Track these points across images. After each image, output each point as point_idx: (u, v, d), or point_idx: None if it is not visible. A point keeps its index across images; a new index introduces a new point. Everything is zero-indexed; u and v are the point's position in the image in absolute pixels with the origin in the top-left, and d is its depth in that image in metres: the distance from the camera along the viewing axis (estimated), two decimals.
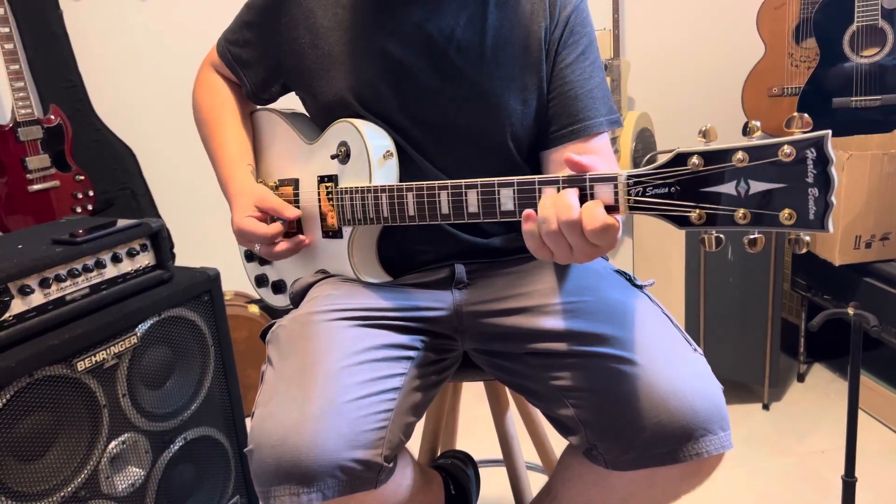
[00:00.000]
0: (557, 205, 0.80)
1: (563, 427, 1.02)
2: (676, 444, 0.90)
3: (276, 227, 1.11)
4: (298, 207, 1.16)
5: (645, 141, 2.57)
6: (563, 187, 0.82)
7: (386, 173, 1.06)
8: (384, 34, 1.08)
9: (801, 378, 2.29)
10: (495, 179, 0.90)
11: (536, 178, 0.86)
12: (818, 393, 2.22)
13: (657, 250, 2.26)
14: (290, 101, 1.27)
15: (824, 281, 2.14)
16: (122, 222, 1.40)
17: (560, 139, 1.09)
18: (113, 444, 1.30)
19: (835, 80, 2.25)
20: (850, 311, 1.35)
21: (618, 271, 1.12)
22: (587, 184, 0.80)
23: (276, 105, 1.27)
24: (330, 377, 0.92)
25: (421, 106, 1.08)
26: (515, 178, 0.88)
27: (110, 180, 2.28)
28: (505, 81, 1.07)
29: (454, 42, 1.06)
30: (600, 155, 1.08)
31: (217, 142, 1.23)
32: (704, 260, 2.03)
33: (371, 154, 1.05)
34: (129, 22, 2.31)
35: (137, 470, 1.36)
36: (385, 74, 1.08)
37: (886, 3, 2.16)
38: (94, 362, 1.27)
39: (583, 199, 0.81)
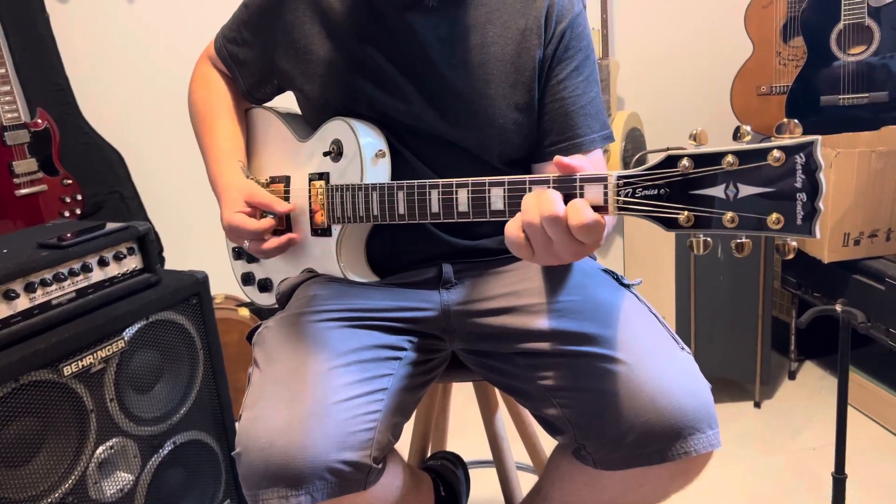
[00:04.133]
0: (540, 199, 0.79)
1: (551, 427, 1.02)
2: (665, 444, 0.90)
3: (267, 221, 1.09)
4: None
5: (634, 140, 2.58)
6: (554, 187, 0.82)
7: (378, 172, 1.06)
8: (376, 46, 1.07)
9: (792, 376, 2.29)
10: (486, 179, 0.89)
11: (528, 177, 0.86)
12: (809, 390, 2.23)
13: (647, 249, 2.26)
14: (286, 102, 1.26)
15: (814, 278, 2.14)
16: (109, 226, 1.39)
17: (551, 154, 1.07)
18: (101, 449, 1.30)
19: (822, 78, 2.25)
20: (838, 307, 1.35)
21: (605, 270, 1.12)
22: (577, 184, 0.80)
23: (272, 103, 1.27)
24: (317, 378, 0.92)
25: (410, 117, 1.07)
26: (506, 178, 0.87)
27: (99, 184, 2.27)
28: (495, 99, 1.06)
29: (445, 58, 1.05)
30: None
31: (209, 137, 1.22)
32: (695, 259, 2.04)
33: (363, 153, 1.04)
34: (117, 25, 2.30)
35: (126, 475, 1.35)
36: (376, 85, 1.07)
37: (873, 2, 2.17)
38: (80, 367, 1.26)
39: (571, 199, 0.80)
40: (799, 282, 2.21)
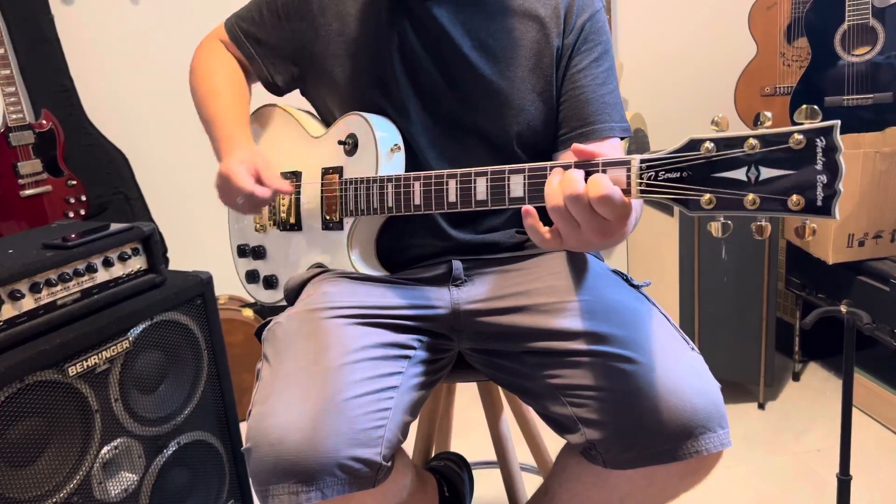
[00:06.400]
0: (563, 180, 0.80)
1: (560, 426, 1.02)
2: (676, 443, 0.90)
3: (267, 191, 1.05)
4: (300, 200, 1.17)
5: (639, 142, 2.57)
6: None
7: (392, 167, 1.08)
8: (404, 27, 1.10)
9: (796, 377, 2.29)
10: (506, 167, 0.91)
11: (549, 164, 0.87)
12: (813, 391, 2.22)
13: (652, 251, 2.26)
14: (297, 102, 1.27)
15: (818, 279, 2.14)
16: (114, 226, 1.39)
17: (570, 141, 1.09)
18: (105, 449, 1.29)
19: (827, 79, 2.25)
20: (843, 309, 1.35)
21: (614, 271, 1.12)
22: (599, 168, 0.81)
23: (285, 102, 1.27)
24: (328, 375, 0.92)
25: (434, 98, 1.10)
26: (527, 165, 0.89)
27: (103, 185, 2.27)
28: (516, 83, 1.09)
29: (469, 40, 1.09)
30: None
31: (213, 104, 1.19)
32: (699, 260, 2.03)
33: (379, 146, 1.06)
34: (121, 26, 2.30)
35: (130, 475, 1.35)
36: (402, 65, 1.10)
37: (877, 2, 2.17)
38: (85, 367, 1.25)
39: None
40: (803, 283, 2.20)
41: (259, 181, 1.06)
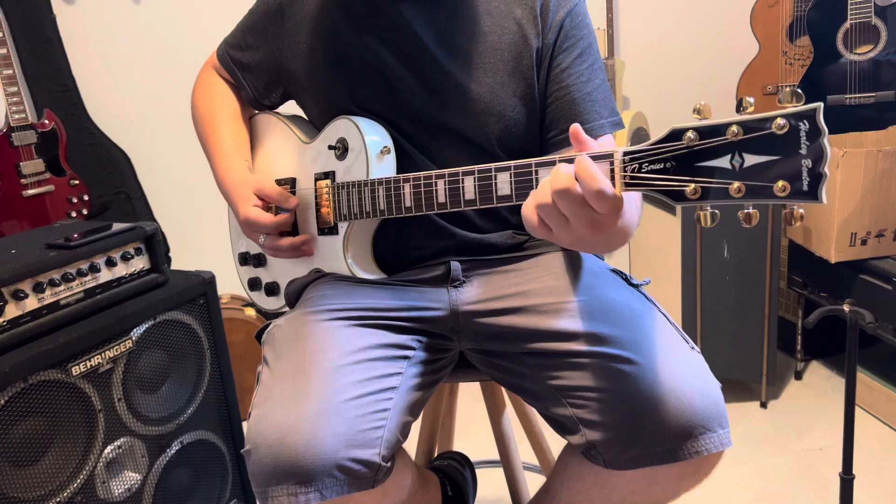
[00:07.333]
0: (552, 175, 0.78)
1: (561, 427, 1.02)
2: (676, 443, 0.90)
3: (284, 216, 1.12)
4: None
5: (640, 140, 2.57)
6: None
7: (384, 169, 1.07)
8: (376, 38, 1.09)
9: (798, 376, 2.29)
10: (492, 165, 0.90)
11: (533, 160, 0.86)
12: (816, 390, 2.22)
13: (653, 249, 2.26)
14: (289, 107, 1.27)
15: (820, 278, 2.14)
16: (116, 226, 1.39)
17: (560, 143, 1.08)
18: (109, 448, 1.30)
19: (829, 77, 2.25)
20: (846, 307, 1.35)
21: (614, 270, 1.12)
22: None
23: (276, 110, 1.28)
24: (326, 376, 0.92)
25: (413, 107, 1.08)
26: (512, 163, 0.88)
27: (105, 184, 2.28)
28: (494, 87, 1.07)
29: (444, 47, 1.07)
30: None
31: (214, 138, 1.23)
32: (701, 259, 2.03)
33: (369, 149, 1.06)
34: (123, 26, 2.31)
35: (134, 475, 1.35)
36: (378, 76, 1.09)
37: (879, 1, 2.16)
38: (89, 367, 1.26)
39: None
40: (805, 282, 2.20)
41: (263, 202, 1.13)
